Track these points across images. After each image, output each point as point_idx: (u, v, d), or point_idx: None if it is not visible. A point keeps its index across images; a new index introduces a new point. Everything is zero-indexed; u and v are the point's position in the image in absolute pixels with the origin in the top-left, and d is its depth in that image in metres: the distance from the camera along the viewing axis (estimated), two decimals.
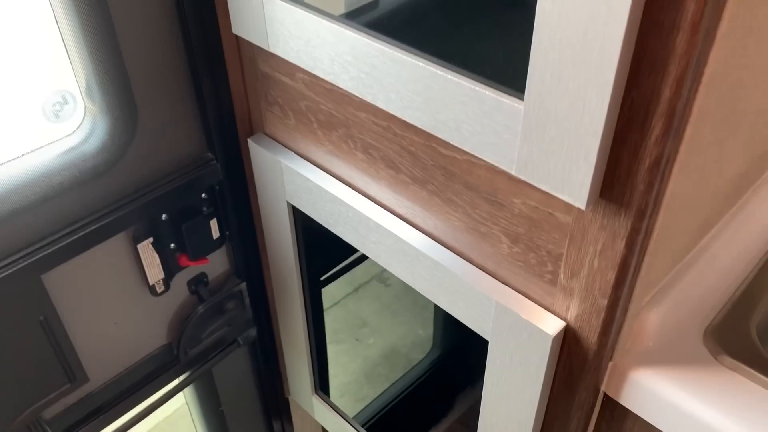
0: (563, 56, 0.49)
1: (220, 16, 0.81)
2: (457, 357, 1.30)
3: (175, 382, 1.08)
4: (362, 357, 1.52)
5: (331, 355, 1.33)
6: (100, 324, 0.93)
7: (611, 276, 0.59)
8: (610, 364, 0.67)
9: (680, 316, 0.70)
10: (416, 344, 1.44)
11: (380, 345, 1.52)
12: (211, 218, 0.98)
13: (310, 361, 1.15)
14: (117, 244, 0.89)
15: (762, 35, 0.57)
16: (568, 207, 0.59)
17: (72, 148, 0.81)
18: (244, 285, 1.08)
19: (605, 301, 0.61)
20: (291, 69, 0.78)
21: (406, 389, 1.37)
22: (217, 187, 0.96)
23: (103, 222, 0.85)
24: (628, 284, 0.60)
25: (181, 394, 1.29)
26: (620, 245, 0.57)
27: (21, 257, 0.79)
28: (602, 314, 0.62)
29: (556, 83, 0.50)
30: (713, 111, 0.54)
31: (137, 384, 1.02)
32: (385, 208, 0.79)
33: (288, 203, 0.90)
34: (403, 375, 1.41)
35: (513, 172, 0.58)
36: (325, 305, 1.31)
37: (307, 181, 0.84)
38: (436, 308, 1.27)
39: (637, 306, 0.65)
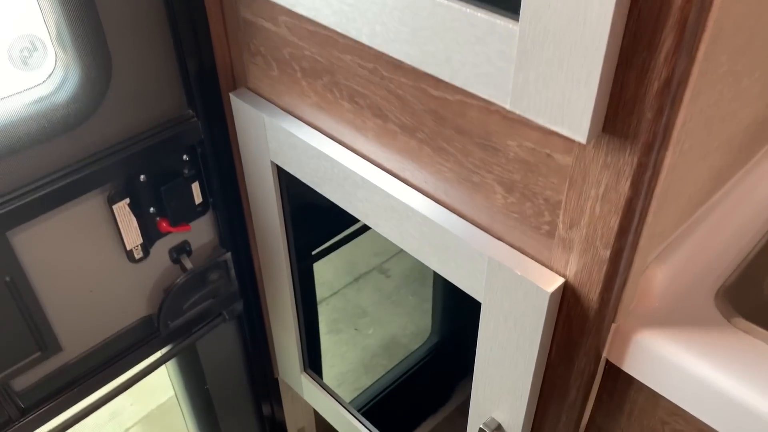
0: None
1: None
2: (455, 345, 1.24)
3: (157, 355, 1.03)
4: (361, 347, 1.47)
5: (329, 345, 1.28)
6: (74, 290, 0.88)
7: (614, 222, 0.53)
8: (613, 326, 0.62)
9: (690, 275, 0.64)
10: (416, 335, 1.40)
11: (379, 335, 1.47)
12: (193, 181, 0.93)
13: (299, 337, 1.10)
14: (91, 203, 0.84)
15: None
16: (567, 146, 0.54)
17: (42, 98, 0.76)
18: (229, 255, 1.03)
19: (608, 252, 0.55)
20: (273, 12, 0.73)
21: (404, 375, 1.32)
22: (199, 149, 0.91)
23: (75, 177, 0.79)
24: (633, 232, 0.54)
25: (168, 379, 1.24)
26: (625, 186, 0.51)
27: None
28: (604, 267, 0.56)
29: None
30: (730, 34, 0.49)
31: (115, 356, 0.97)
32: (372, 163, 0.73)
33: (272, 163, 0.85)
34: (401, 361, 1.36)
35: (508, 107, 0.52)
36: (325, 294, 1.26)
37: (292, 137, 0.78)
38: (435, 295, 1.22)
39: (643, 261, 0.60)
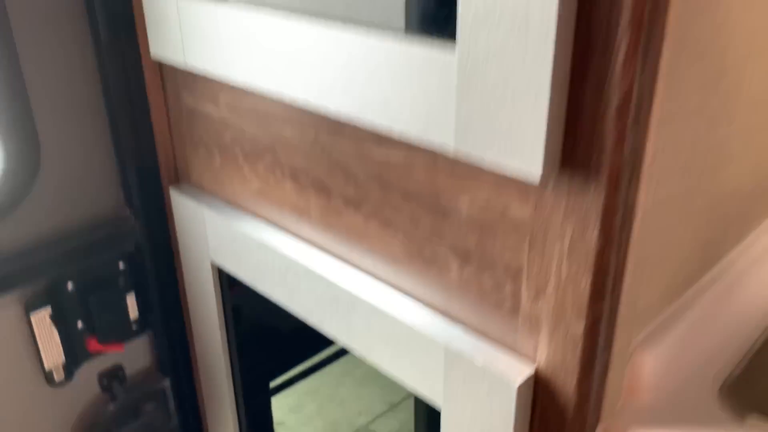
0: None
1: (141, 43, 0.72)
2: None
3: None
4: None
5: None
6: None
7: (586, 284, 0.44)
8: (599, 428, 0.50)
9: (687, 364, 0.53)
10: None
11: None
12: (129, 292, 0.84)
13: None
14: (4, 310, 0.74)
15: None
16: (523, 194, 0.46)
17: None
18: (167, 382, 0.91)
19: (582, 325, 0.46)
20: (213, 91, 0.68)
21: None
22: (137, 255, 0.83)
23: None
24: (609, 296, 0.45)
25: None
26: (593, 235, 0.43)
27: None
28: (579, 345, 0.46)
29: (491, 7, 0.39)
30: (693, 51, 0.43)
31: None
32: (317, 247, 0.65)
33: (213, 265, 0.77)
34: None
35: (452, 148, 0.45)
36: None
37: (231, 230, 0.71)
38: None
39: (626, 340, 0.50)
